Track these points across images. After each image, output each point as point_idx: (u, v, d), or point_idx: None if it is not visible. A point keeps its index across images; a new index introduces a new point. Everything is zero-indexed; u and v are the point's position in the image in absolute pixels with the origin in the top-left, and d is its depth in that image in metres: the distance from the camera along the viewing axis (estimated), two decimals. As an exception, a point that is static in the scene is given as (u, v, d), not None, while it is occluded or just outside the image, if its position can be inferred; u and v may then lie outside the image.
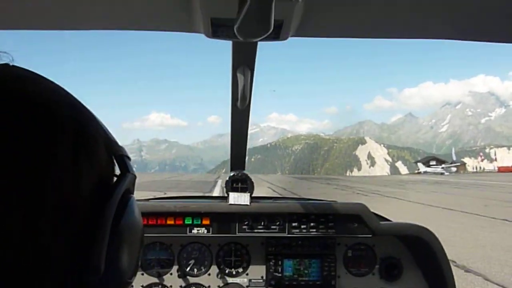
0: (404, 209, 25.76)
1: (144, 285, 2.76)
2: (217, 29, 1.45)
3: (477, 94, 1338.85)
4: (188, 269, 2.80)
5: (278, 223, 2.69)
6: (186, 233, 2.66)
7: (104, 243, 0.76)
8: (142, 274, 2.76)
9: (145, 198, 2.96)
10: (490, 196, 36.00)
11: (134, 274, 0.90)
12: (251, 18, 1.12)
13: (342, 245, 2.85)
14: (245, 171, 2.78)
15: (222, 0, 1.25)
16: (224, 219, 2.69)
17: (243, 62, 2.00)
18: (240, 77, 2.03)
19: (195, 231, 2.66)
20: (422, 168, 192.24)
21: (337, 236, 2.76)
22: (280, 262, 2.78)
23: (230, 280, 2.81)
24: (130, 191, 0.89)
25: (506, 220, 19.93)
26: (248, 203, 2.68)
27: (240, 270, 2.82)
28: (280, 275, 2.77)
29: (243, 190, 2.70)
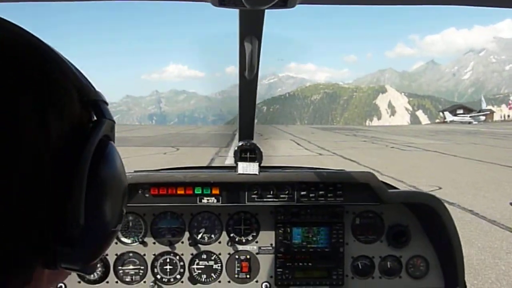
0: (466, 169, 20.53)
1: (156, 253, 2.83)
2: None
3: (502, 40, 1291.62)
4: (199, 237, 2.86)
5: (287, 192, 2.75)
6: (196, 203, 2.72)
7: (81, 194, 0.73)
8: (154, 243, 2.83)
9: (156, 169, 3.00)
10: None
11: (119, 222, 0.87)
12: None
13: (350, 213, 2.90)
14: (253, 141, 2.82)
15: None
16: (234, 188, 2.74)
17: (251, 32, 1.97)
18: (247, 47, 2.01)
19: (205, 200, 2.71)
20: (449, 117, 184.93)
21: (346, 204, 2.82)
22: (289, 230, 2.85)
23: (240, 247, 2.87)
24: (109, 137, 0.85)
25: None
26: (257, 173, 2.73)
27: (250, 238, 2.88)
28: (289, 242, 2.84)
29: (251, 159, 2.75)
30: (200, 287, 2.85)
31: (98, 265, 2.75)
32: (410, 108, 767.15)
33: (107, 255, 2.76)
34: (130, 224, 2.78)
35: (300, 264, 2.83)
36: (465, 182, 16.43)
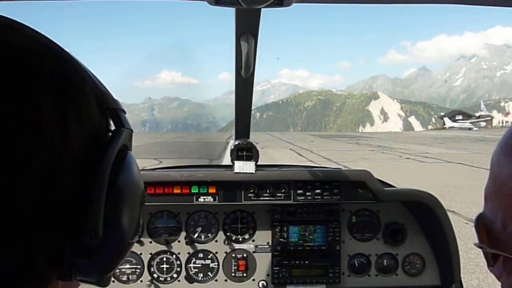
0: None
1: (153, 252, 2.83)
2: None
3: (493, 47, 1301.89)
4: (195, 236, 2.87)
5: (283, 190, 2.76)
6: (193, 202, 2.72)
7: (100, 204, 0.72)
8: (150, 242, 2.84)
9: (151, 168, 3.00)
10: None
11: (136, 235, 0.86)
12: None
13: (347, 211, 2.93)
14: (249, 140, 2.84)
15: None
16: (230, 187, 2.74)
17: (247, 30, 1.97)
18: (243, 45, 2.01)
19: (201, 199, 2.72)
20: (448, 123, 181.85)
21: (342, 203, 2.84)
22: (285, 229, 2.86)
23: (237, 246, 2.88)
24: (127, 147, 0.83)
25: None
26: (254, 171, 2.73)
27: (247, 236, 2.89)
28: (285, 241, 2.85)
29: (248, 158, 2.75)
30: (197, 286, 2.87)
31: None
32: (403, 114, 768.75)
33: None
34: None
35: (297, 262, 2.88)
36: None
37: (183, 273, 2.84)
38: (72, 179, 0.70)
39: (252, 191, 2.75)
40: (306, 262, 2.85)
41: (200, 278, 2.86)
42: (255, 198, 2.76)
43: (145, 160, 30.01)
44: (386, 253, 2.91)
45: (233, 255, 2.87)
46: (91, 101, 0.77)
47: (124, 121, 0.83)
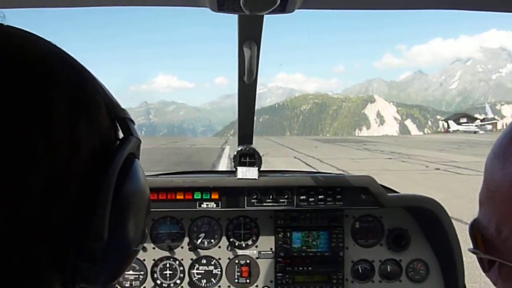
0: None
1: (156, 258, 2.83)
2: (223, 2, 1.40)
3: (488, 50, 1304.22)
4: (198, 242, 2.87)
5: (286, 196, 2.76)
6: (196, 208, 2.73)
7: (106, 209, 0.72)
8: (154, 248, 2.83)
9: (154, 174, 3.05)
10: None
11: (141, 242, 0.87)
12: None
13: (350, 217, 2.93)
14: (252, 146, 2.83)
15: None
16: (233, 193, 2.75)
17: (250, 36, 1.98)
18: (246, 52, 2.02)
19: (204, 205, 2.72)
20: (453, 126, 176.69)
21: (345, 208, 2.84)
22: (288, 234, 2.86)
23: (240, 252, 2.88)
24: (134, 155, 0.85)
25: None
26: (256, 177, 2.74)
27: (250, 242, 2.89)
28: (288, 246, 2.85)
29: (251, 164, 2.75)
30: None
31: None
32: (399, 118, 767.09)
33: None
34: None
35: (300, 268, 2.86)
36: None
37: (186, 279, 2.85)
38: (79, 184, 0.71)
39: (255, 197, 2.76)
40: (310, 268, 2.85)
41: (203, 284, 2.86)
42: (258, 204, 2.77)
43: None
44: (389, 259, 2.91)
45: (236, 261, 2.87)
46: (101, 109, 0.79)
47: (132, 130, 0.85)
